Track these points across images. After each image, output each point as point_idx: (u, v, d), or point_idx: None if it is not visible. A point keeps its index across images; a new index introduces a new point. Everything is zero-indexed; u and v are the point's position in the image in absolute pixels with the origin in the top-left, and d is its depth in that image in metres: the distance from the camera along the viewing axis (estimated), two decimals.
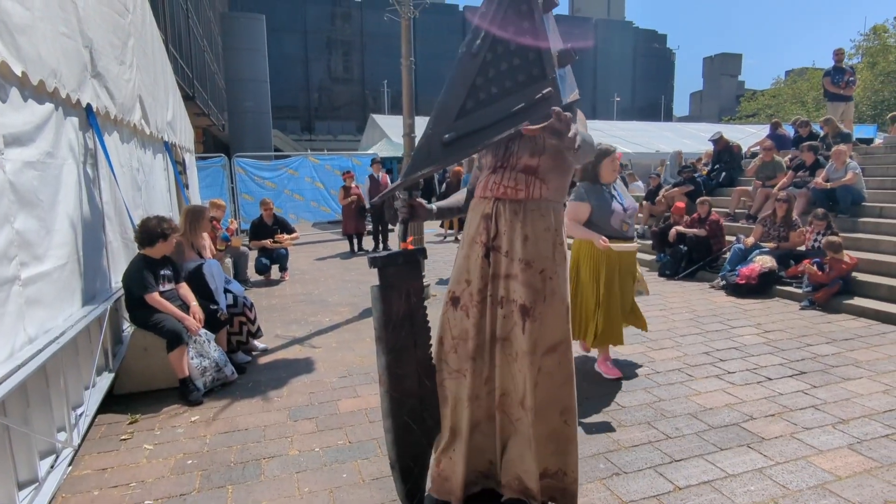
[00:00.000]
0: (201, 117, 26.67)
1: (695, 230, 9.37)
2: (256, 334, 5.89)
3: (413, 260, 2.95)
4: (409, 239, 3.06)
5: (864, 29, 46.60)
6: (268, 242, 9.81)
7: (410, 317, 2.94)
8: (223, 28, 38.90)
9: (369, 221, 14.09)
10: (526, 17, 2.81)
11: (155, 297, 4.74)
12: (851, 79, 13.03)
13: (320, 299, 8.26)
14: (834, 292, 7.10)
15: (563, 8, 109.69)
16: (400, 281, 2.93)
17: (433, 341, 3.00)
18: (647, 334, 6.15)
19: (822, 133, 12.12)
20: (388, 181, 13.88)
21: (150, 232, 4.84)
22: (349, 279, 9.63)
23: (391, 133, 23.77)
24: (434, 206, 3.19)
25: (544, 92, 2.65)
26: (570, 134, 2.39)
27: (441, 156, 2.71)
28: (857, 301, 6.96)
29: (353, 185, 13.15)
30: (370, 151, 19.81)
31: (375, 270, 2.87)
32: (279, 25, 65.72)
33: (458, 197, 3.28)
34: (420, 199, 3.06)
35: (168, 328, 4.68)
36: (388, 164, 21.56)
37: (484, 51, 2.79)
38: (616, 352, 5.60)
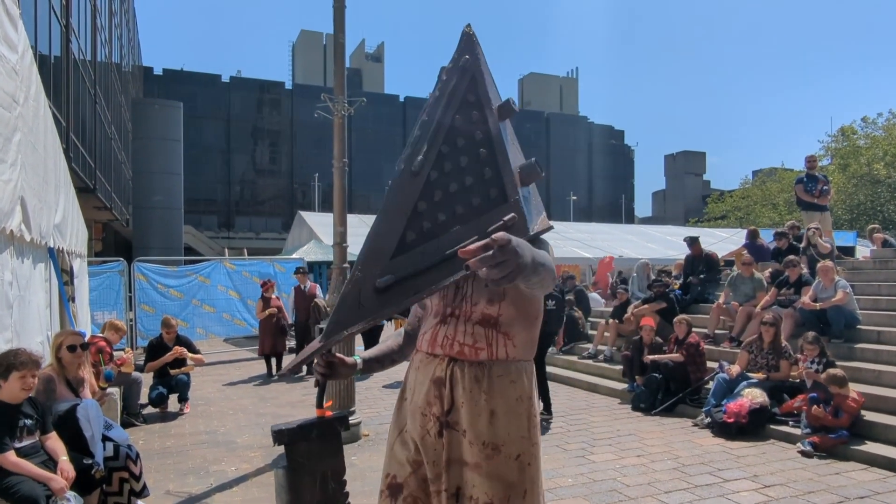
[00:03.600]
0: (102, 211, 26.17)
1: (671, 355, 9.15)
2: (141, 493, 5.27)
3: (331, 433, 2.53)
4: (327, 404, 2.65)
5: (832, 130, 49.33)
6: (168, 357, 9.14)
7: None
8: (135, 115, 38.89)
9: (292, 337, 13.56)
10: (479, 125, 2.53)
11: (9, 460, 4.15)
12: (825, 187, 13.32)
13: (226, 440, 7.65)
14: (842, 443, 6.82)
15: None
16: (314, 462, 2.49)
17: None
18: (626, 491, 5.74)
19: (801, 244, 12.21)
20: (318, 291, 13.47)
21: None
22: (264, 412, 9.02)
23: (321, 233, 23.54)
24: (359, 357, 2.76)
25: (506, 219, 2.33)
26: (519, 262, 1.70)
27: (375, 306, 2.30)
28: (867, 445, 6.69)
29: (272, 297, 12.69)
30: (296, 256, 19.41)
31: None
32: (200, 113, 66.19)
33: (390, 343, 2.83)
34: (340, 355, 2.66)
35: (23, 494, 4.08)
36: (317, 269, 21.15)
37: (428, 168, 2.47)
38: None
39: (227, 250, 40.72)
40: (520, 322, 2.47)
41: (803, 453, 6.80)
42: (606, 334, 11.94)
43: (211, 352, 13.96)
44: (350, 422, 7.53)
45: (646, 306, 11.39)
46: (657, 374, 9.09)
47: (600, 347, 11.94)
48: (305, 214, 28.34)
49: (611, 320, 12.00)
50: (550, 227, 2.51)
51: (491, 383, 2.41)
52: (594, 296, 16.53)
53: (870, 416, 7.19)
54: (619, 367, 10.50)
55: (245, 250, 34.94)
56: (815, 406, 7.06)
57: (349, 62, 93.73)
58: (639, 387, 9.34)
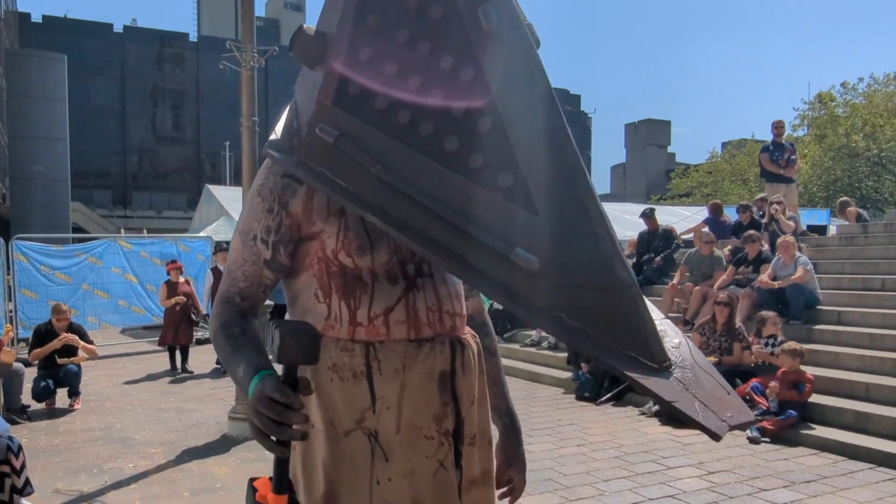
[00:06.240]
0: None
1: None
2: (24, 490, 5.41)
3: None
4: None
5: (809, 96, 50.36)
6: (56, 344, 9.16)
7: None
8: (9, 69, 38.00)
9: (204, 328, 13.61)
10: None
11: None
12: (793, 157, 13.78)
13: (123, 437, 7.80)
14: (790, 424, 7.32)
15: None
16: None
17: None
18: (562, 480, 6.10)
19: (764, 219, 12.66)
20: None
21: None
22: (167, 407, 9.17)
23: (232, 209, 23.44)
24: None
25: None
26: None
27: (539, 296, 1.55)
28: (818, 430, 7.20)
29: (180, 280, 12.71)
30: (203, 234, 19.38)
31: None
32: (88, 68, 64.69)
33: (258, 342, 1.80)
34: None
35: None
36: (227, 249, 21.16)
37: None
38: None
39: (123, 231, 40.20)
40: None
41: (751, 440, 7.26)
42: None
43: (105, 343, 13.96)
44: None
45: None
46: None
47: (544, 334, 12.29)
48: (214, 188, 28.09)
49: None
50: None
51: (483, 362, 2.00)
52: None
53: (824, 399, 7.70)
54: (564, 354, 10.90)
55: (145, 230, 34.61)
56: (773, 383, 7.53)
57: (265, 11, 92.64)
58: (584, 374, 9.72)
